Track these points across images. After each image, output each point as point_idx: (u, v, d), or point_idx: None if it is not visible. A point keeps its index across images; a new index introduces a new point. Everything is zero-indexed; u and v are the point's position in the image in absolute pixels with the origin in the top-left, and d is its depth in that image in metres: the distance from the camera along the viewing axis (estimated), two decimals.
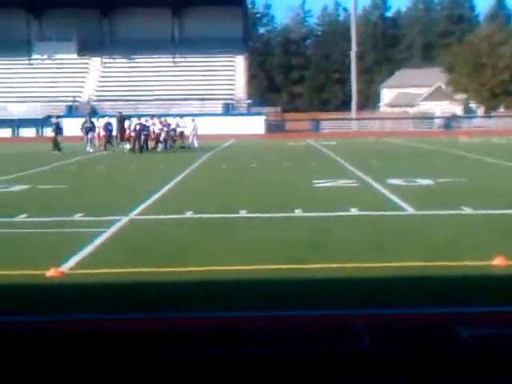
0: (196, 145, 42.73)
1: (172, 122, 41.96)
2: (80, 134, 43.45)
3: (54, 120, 43.77)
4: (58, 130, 42.40)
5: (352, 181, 22.05)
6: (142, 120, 40.16)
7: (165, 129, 40.12)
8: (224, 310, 8.11)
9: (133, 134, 39.31)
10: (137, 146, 39.03)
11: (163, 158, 34.95)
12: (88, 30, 76.44)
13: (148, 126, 39.51)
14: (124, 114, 45.51)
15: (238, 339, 7.12)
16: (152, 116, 42.35)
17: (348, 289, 9.04)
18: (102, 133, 42.12)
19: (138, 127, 39.16)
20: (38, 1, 75.97)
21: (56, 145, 41.02)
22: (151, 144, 39.81)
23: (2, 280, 9.61)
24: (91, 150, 39.62)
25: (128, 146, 39.94)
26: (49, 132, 43.26)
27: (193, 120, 43.96)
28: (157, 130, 39.78)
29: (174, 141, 42.04)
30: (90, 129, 41.55)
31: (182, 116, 45.52)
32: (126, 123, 40.87)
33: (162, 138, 40.00)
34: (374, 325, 7.53)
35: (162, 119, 41.15)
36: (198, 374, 6.19)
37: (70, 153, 38.29)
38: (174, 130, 41.72)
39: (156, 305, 8.44)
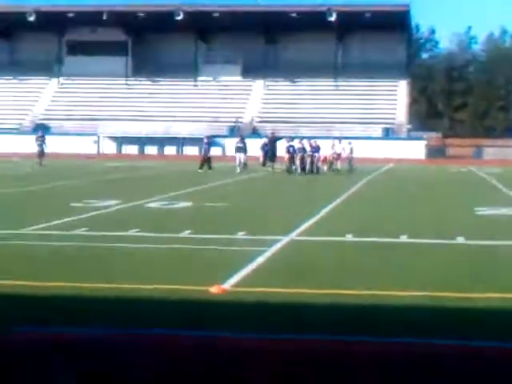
0: (352, 167, 42.74)
1: (328, 145, 42.18)
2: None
3: (205, 140, 44.54)
4: (209, 149, 43.06)
5: None
6: (295, 142, 40.65)
7: (313, 151, 40.25)
8: (382, 336, 8.06)
9: (287, 155, 39.76)
10: (294, 168, 39.49)
11: (322, 180, 35.06)
12: (253, 53, 77.84)
13: (302, 148, 39.77)
14: (276, 135, 46.18)
15: (398, 365, 7.05)
16: (302, 138, 42.65)
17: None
18: (260, 153, 42.72)
19: (290, 149, 39.64)
20: (206, 25, 78.00)
21: (207, 164, 41.50)
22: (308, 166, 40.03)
23: (167, 294, 9.89)
24: (238, 171, 39.85)
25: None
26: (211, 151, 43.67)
27: (349, 143, 44.08)
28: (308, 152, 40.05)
29: (331, 164, 42.17)
30: (240, 149, 41.73)
31: (340, 139, 45.78)
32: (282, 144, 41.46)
33: (309, 161, 40.09)
34: None
35: (312, 141, 41.28)
36: None
37: (224, 172, 38.95)
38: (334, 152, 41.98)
39: (315, 327, 8.49)
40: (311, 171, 39.69)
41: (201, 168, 41.00)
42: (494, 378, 6.59)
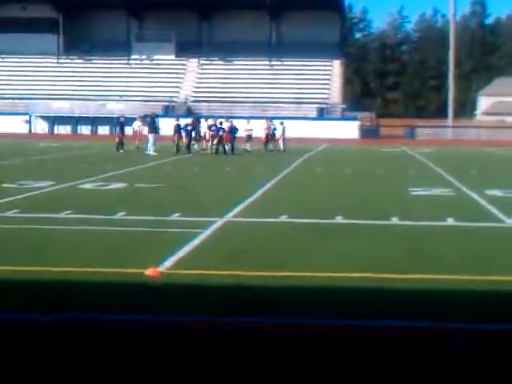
0: (282, 147, 42.88)
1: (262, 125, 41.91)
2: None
3: (120, 119, 43.88)
4: (122, 129, 42.53)
5: (449, 190, 21.72)
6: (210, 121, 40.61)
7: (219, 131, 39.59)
8: (316, 318, 8.10)
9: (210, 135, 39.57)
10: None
11: (255, 160, 35.06)
12: (187, 31, 77.29)
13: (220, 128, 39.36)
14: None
15: (325, 347, 7.07)
16: (206, 118, 42.73)
17: (445, 301, 8.90)
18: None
19: (213, 129, 39.48)
20: (139, 2, 77.26)
21: (120, 144, 41.20)
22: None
23: (101, 277, 9.79)
24: (150, 152, 38.21)
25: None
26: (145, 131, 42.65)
27: (281, 123, 44.24)
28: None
29: (266, 144, 42.22)
30: (153, 129, 40.09)
31: (271, 118, 46.23)
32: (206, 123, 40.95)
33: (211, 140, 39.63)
34: (474, 340, 7.38)
35: (228, 121, 40.78)
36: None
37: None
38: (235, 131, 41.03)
39: (249, 308, 8.48)
40: (226, 151, 39.01)
41: (118, 149, 40.68)
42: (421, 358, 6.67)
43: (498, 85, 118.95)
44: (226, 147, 39.19)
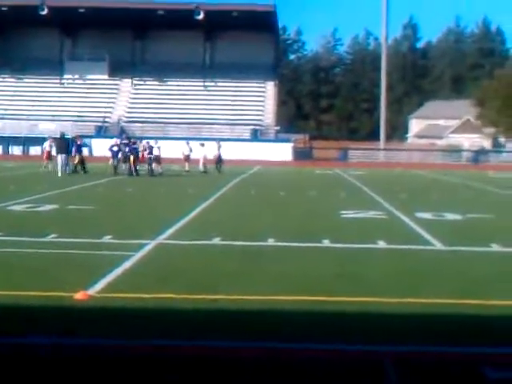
0: (201, 169, 42.60)
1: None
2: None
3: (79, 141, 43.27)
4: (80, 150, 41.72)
5: (380, 213, 21.96)
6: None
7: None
8: (249, 340, 8.09)
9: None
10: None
11: (187, 182, 35.00)
12: (120, 51, 77.03)
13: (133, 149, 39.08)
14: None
15: (260, 371, 7.07)
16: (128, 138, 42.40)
17: (375, 324, 8.98)
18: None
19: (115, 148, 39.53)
20: (72, 21, 76.65)
21: (82, 166, 40.51)
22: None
23: (28, 300, 9.63)
24: (59, 175, 37.03)
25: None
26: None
27: (201, 145, 43.77)
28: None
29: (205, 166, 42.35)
30: (62, 149, 38.79)
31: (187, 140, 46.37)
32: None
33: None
34: (402, 362, 7.46)
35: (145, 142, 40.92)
36: None
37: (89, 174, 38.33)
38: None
39: (178, 332, 8.43)
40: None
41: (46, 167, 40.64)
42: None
43: (429, 108, 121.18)
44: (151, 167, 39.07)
